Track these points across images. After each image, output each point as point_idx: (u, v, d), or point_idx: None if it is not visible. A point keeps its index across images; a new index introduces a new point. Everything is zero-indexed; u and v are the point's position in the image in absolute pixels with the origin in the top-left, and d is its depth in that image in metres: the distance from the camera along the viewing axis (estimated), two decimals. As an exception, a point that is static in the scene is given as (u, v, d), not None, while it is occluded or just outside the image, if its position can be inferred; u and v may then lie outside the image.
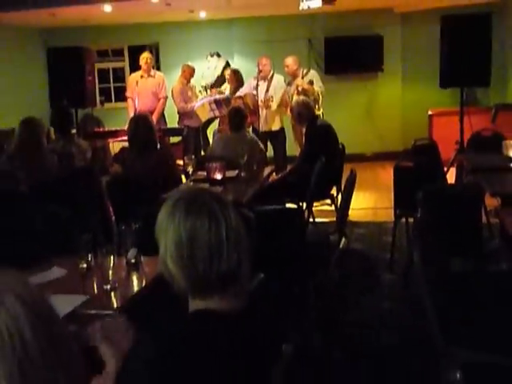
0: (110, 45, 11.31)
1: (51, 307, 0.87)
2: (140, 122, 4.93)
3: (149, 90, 8.52)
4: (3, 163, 4.47)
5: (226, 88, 8.97)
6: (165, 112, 8.91)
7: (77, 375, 0.86)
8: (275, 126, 8.24)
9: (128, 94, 8.76)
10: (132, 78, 8.81)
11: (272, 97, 8.14)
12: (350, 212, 5.00)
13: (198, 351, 1.52)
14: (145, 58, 8.59)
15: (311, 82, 8.06)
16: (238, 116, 5.92)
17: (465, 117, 6.90)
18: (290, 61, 8.21)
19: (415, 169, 5.25)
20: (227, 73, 9.03)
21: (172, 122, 9.15)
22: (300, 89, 7.99)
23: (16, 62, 10.28)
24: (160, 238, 1.60)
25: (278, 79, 8.29)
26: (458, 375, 1.83)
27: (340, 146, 6.29)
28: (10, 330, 0.77)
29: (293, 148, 8.29)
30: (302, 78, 8.15)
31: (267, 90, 8.17)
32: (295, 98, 7.68)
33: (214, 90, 9.39)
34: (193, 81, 9.33)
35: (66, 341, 0.87)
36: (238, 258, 1.58)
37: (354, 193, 4.74)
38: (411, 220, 5.01)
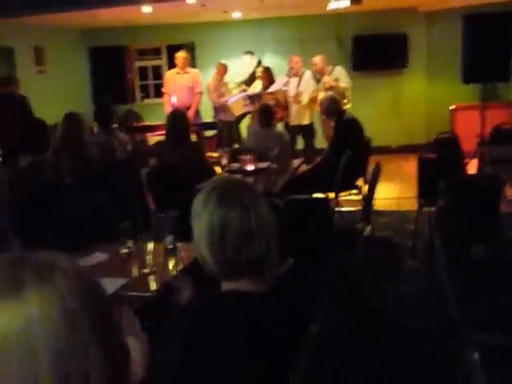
0: (148, 44, 11.37)
1: (99, 284, 0.85)
2: (177, 117, 4.99)
3: (185, 85, 8.54)
4: (49, 156, 4.54)
5: (258, 85, 8.96)
6: (200, 107, 8.93)
7: (121, 355, 0.84)
8: (305, 121, 8.23)
9: (164, 90, 8.79)
10: (169, 75, 8.84)
11: (302, 92, 8.12)
12: (375, 201, 4.97)
13: (224, 328, 1.53)
14: (179, 57, 8.60)
15: (337, 79, 8.03)
16: (265, 113, 5.93)
17: (486, 111, 6.81)
18: (317, 59, 8.17)
19: (438, 160, 5.20)
20: (259, 70, 9.02)
21: (206, 116, 9.18)
22: (327, 86, 7.96)
23: (61, 61, 10.41)
24: (194, 224, 1.62)
25: (308, 75, 8.26)
26: (476, 356, 1.81)
27: (366, 139, 6.25)
28: (64, 303, 0.75)
29: (322, 141, 8.27)
30: (329, 75, 8.12)
31: (298, 86, 8.16)
32: (322, 94, 7.66)
33: (246, 87, 9.39)
34: (227, 78, 9.33)
35: (113, 320, 0.85)
36: (267, 244, 1.59)
37: (380, 183, 4.71)
38: (433, 209, 4.96)
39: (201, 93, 8.68)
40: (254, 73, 9.72)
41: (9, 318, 0.72)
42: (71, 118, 5.09)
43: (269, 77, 8.70)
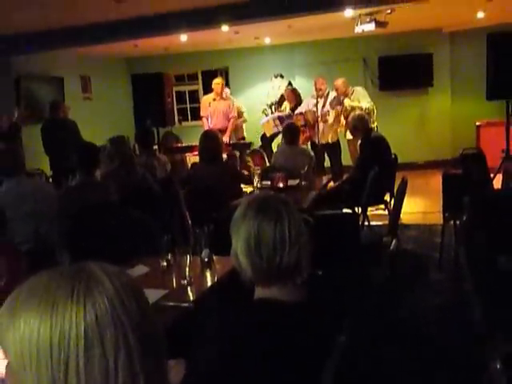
0: (185, 70, 11.59)
1: (142, 290, 0.97)
2: (208, 137, 5.07)
3: (220, 110, 8.70)
4: (98, 177, 4.64)
5: (286, 106, 9.05)
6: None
7: (162, 359, 0.93)
8: (332, 139, 8.29)
9: (202, 113, 8.96)
10: (205, 100, 9.00)
11: (328, 111, 8.19)
12: (402, 216, 4.96)
13: (254, 336, 1.58)
14: (216, 83, 8.76)
15: (358, 100, 8.08)
16: (290, 131, 6.02)
17: (511, 127, 6.71)
18: (339, 83, 8.20)
19: (463, 175, 5.16)
20: (286, 92, 9.13)
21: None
22: (349, 109, 7.96)
23: (105, 88, 10.69)
24: (233, 233, 1.70)
25: (331, 97, 8.32)
26: (499, 365, 1.80)
27: (392, 156, 6.25)
28: (113, 308, 0.86)
29: (348, 159, 8.30)
30: (349, 97, 8.16)
31: (323, 106, 8.24)
32: (344, 116, 7.77)
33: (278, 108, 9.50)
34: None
35: (154, 323, 0.94)
36: (299, 253, 1.65)
37: (407, 198, 4.70)
38: (458, 223, 4.92)
39: (235, 117, 8.83)
40: (283, 95, 9.85)
41: (70, 323, 0.83)
42: (121, 141, 5.20)
43: (295, 97, 8.81)
